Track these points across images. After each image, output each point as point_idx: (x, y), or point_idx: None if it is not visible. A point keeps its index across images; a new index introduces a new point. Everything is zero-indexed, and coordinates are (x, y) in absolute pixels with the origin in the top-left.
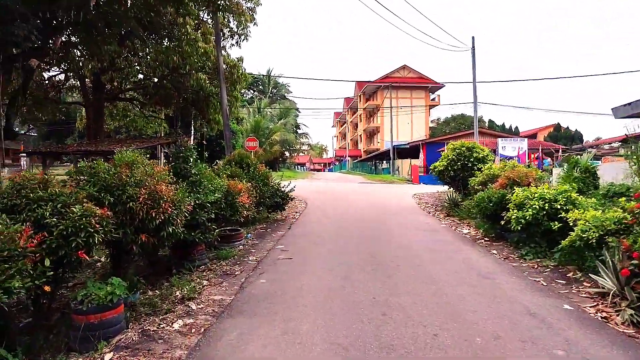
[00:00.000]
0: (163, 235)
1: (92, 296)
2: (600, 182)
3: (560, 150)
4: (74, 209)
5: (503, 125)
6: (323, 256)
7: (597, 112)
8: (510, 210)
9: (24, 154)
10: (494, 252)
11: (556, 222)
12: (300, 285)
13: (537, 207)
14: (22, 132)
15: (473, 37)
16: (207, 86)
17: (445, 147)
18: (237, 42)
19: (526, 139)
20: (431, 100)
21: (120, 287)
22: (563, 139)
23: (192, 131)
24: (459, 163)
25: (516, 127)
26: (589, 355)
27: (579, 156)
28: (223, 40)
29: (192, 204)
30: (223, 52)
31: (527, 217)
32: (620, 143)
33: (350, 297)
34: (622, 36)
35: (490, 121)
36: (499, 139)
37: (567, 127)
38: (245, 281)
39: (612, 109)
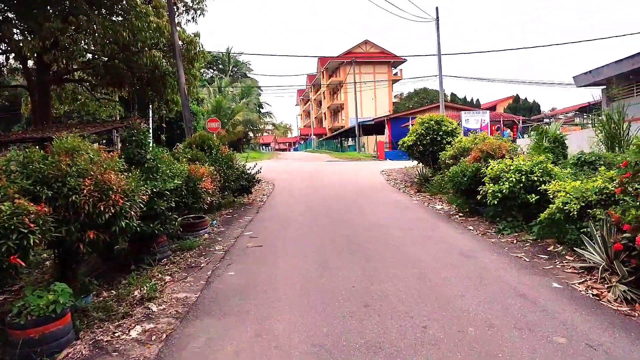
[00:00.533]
0: (115, 230)
1: (30, 307)
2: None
3: (520, 121)
4: (3, 207)
5: (465, 98)
6: (295, 241)
7: (555, 82)
8: (486, 184)
9: None
10: (471, 227)
11: (533, 195)
12: (273, 276)
13: (514, 179)
14: None
15: (437, 8)
16: (162, 64)
17: (410, 121)
18: (193, 18)
19: (488, 112)
20: (394, 75)
21: (64, 294)
22: (522, 110)
23: (151, 114)
24: (427, 137)
25: (477, 100)
26: (591, 341)
27: (547, 126)
28: (178, 15)
29: (149, 192)
30: (178, 28)
31: (504, 191)
32: (575, 112)
33: (328, 287)
34: (606, 27)
35: (452, 94)
36: (462, 112)
37: (526, 99)
38: (212, 274)
39: (573, 77)
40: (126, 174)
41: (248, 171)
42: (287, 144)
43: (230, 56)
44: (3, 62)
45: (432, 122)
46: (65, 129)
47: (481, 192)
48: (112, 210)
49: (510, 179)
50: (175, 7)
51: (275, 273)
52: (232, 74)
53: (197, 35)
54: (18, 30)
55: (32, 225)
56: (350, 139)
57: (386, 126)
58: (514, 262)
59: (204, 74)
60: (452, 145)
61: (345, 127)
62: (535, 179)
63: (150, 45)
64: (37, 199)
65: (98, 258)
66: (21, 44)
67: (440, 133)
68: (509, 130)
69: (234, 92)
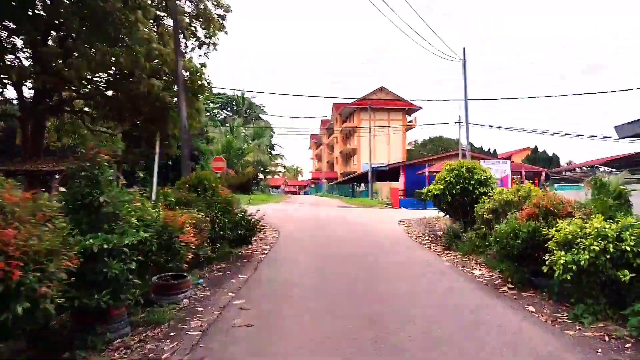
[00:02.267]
0: (7, 319)
1: None
2: None
3: (544, 174)
4: None
5: (481, 147)
6: (300, 322)
7: (578, 134)
8: (555, 251)
9: None
10: (532, 309)
11: (626, 271)
12: None
13: (597, 248)
14: None
15: (464, 49)
16: (163, 96)
17: (427, 169)
18: (205, 53)
19: (508, 162)
20: (408, 122)
21: None
22: (541, 162)
23: (157, 150)
24: (457, 186)
25: (494, 150)
26: None
27: (605, 179)
28: (190, 50)
29: (96, 249)
30: (188, 62)
31: (582, 263)
32: (596, 166)
33: None
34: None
35: (469, 144)
36: (482, 162)
37: (544, 150)
38: None
39: (615, 127)
40: (50, 225)
41: (249, 218)
42: (298, 187)
43: (244, 98)
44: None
45: (463, 169)
46: (51, 162)
47: (547, 262)
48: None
49: (592, 247)
50: (184, 41)
51: None
52: (245, 115)
53: (203, 65)
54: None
55: None
56: (362, 185)
57: (401, 173)
58: None
59: (218, 115)
60: (491, 197)
61: (358, 172)
62: (628, 248)
63: (149, 73)
64: None
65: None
66: (11, 69)
67: (472, 182)
68: (526, 182)
69: (246, 133)
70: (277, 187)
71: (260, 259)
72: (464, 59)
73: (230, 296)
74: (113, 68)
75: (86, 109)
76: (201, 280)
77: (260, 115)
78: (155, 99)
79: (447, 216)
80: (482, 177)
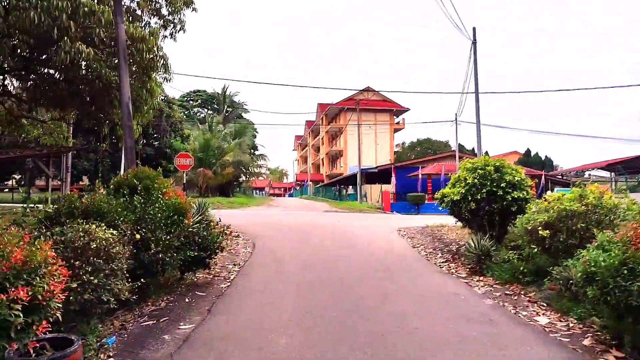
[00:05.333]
0: None
1: None
2: None
3: (543, 177)
4: None
5: (473, 149)
6: None
7: (573, 134)
8: None
9: None
10: None
11: None
12: None
13: None
14: None
15: (474, 28)
16: (107, 75)
17: (420, 170)
18: (171, 34)
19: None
20: (395, 123)
21: None
22: (535, 165)
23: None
24: (483, 190)
25: (486, 152)
26: None
27: None
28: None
29: None
30: (132, 26)
31: None
32: (585, 170)
33: None
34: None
35: (460, 145)
36: None
37: (537, 153)
38: None
39: None
40: None
41: (204, 234)
42: (282, 189)
43: (225, 95)
44: None
45: (490, 167)
46: None
47: None
48: None
49: None
50: (139, 12)
51: None
52: (226, 114)
53: (153, 33)
54: None
55: None
56: (350, 187)
57: (392, 175)
58: None
59: (198, 114)
60: (542, 205)
61: (344, 174)
62: None
63: (74, 35)
64: None
65: None
66: None
67: (503, 185)
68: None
69: (226, 132)
70: (262, 189)
71: (221, 291)
72: (474, 40)
73: None
74: (23, 30)
75: (17, 91)
76: (113, 338)
77: (242, 114)
78: (96, 76)
79: (467, 227)
80: (516, 178)
